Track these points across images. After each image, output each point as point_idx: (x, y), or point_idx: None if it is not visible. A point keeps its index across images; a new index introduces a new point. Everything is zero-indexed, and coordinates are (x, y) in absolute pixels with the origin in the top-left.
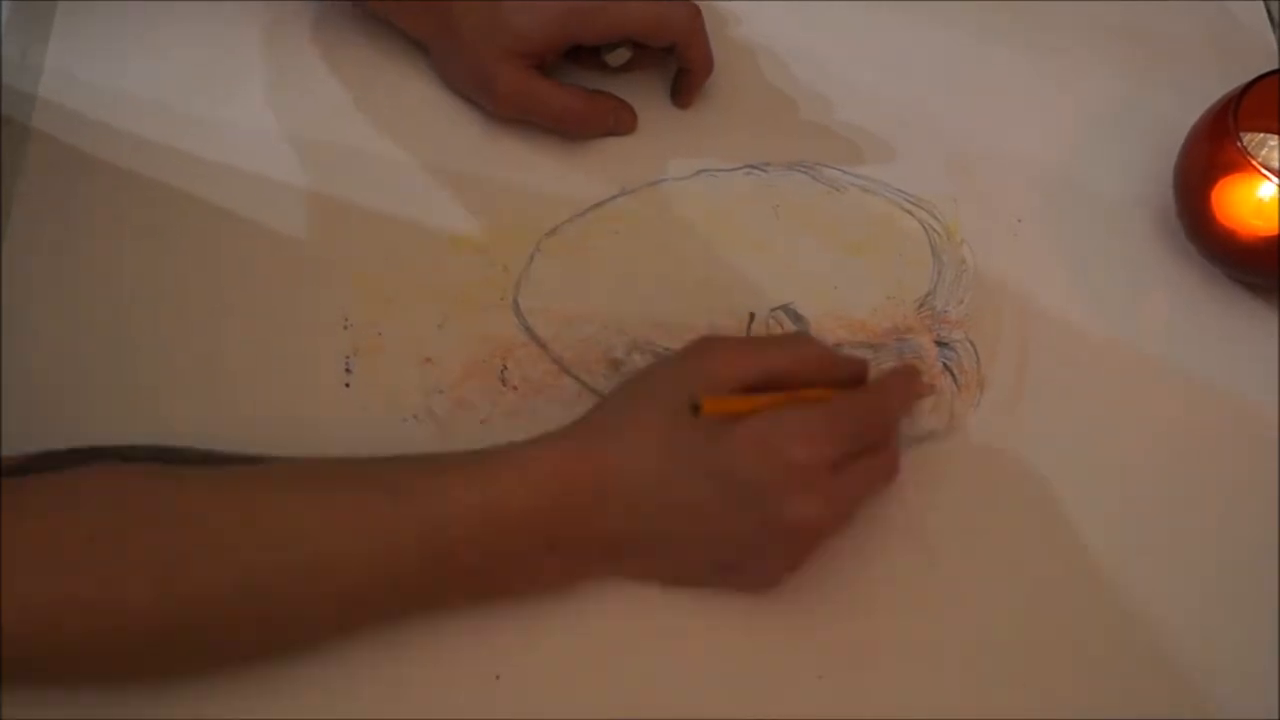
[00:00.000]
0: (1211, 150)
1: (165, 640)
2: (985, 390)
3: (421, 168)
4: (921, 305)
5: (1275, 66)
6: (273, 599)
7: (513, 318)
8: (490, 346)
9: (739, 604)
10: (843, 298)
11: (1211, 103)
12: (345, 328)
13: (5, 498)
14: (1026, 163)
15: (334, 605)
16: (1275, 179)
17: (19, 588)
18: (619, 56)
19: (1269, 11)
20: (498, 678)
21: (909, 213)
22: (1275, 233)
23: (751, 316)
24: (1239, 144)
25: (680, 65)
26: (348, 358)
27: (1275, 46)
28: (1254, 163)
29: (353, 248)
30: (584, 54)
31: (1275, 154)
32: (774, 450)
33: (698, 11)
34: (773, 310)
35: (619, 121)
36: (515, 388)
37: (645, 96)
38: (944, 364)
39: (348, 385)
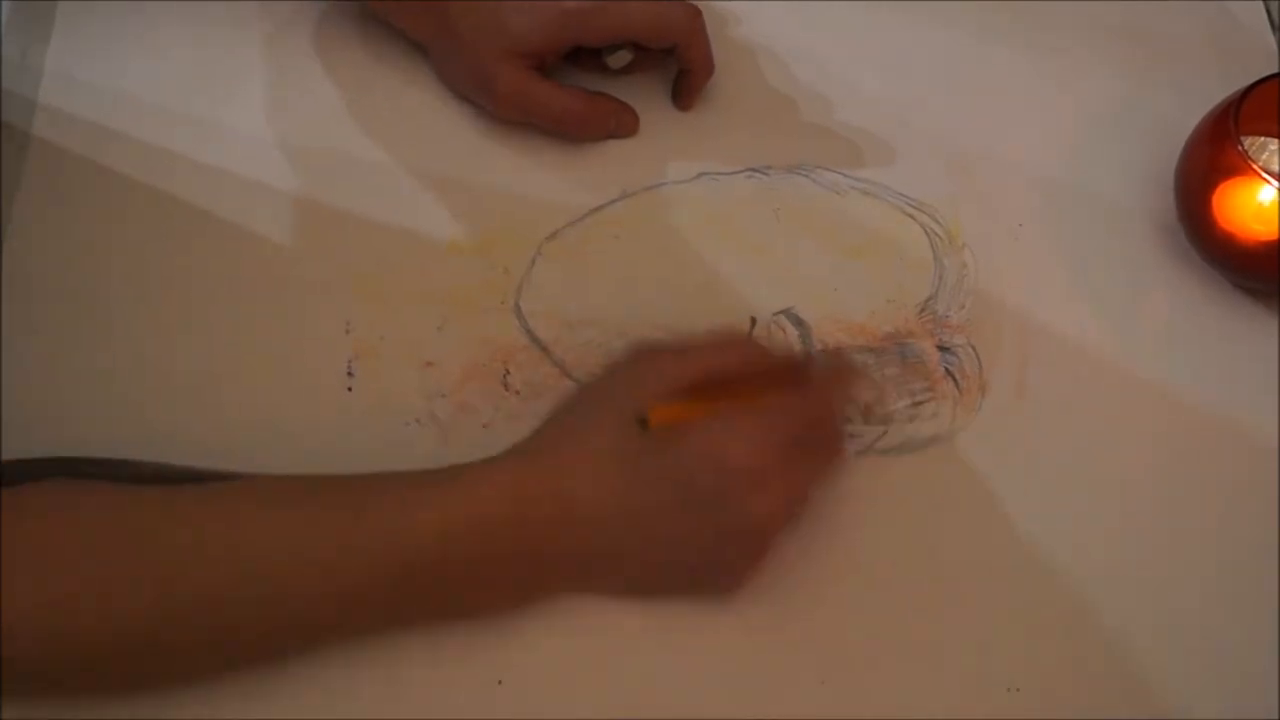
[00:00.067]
0: (1212, 154)
1: (116, 659)
2: (986, 394)
3: (422, 171)
4: (923, 309)
5: (1275, 68)
6: (225, 620)
7: (514, 321)
8: (492, 350)
9: (739, 607)
10: (843, 301)
11: (1212, 104)
12: (347, 332)
13: None
14: (1027, 164)
15: (289, 626)
16: (1276, 183)
17: None
18: (620, 58)
19: (1269, 13)
20: (500, 682)
21: (910, 217)
22: (1276, 237)
23: (753, 321)
24: (1239, 148)
25: (681, 67)
26: (349, 362)
27: (1275, 48)
28: (1254, 166)
29: (353, 252)
30: (584, 56)
31: (1276, 158)
32: (719, 455)
33: (698, 13)
34: (774, 314)
35: (620, 124)
36: (517, 391)
37: (646, 99)
38: (945, 368)
39: (350, 389)
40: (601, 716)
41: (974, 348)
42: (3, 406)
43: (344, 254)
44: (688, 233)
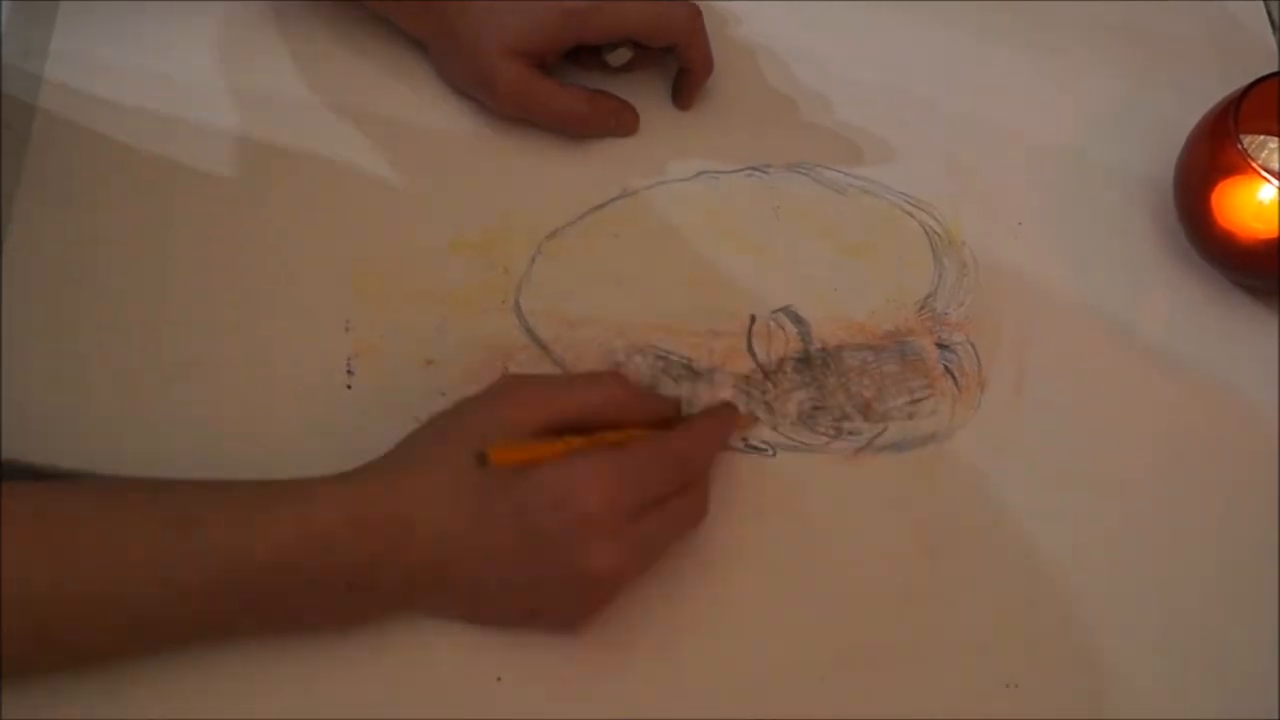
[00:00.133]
0: (1212, 153)
1: None
2: (985, 392)
3: (422, 170)
4: (922, 307)
5: (1275, 68)
6: (49, 623)
7: (514, 320)
8: (492, 349)
9: (739, 606)
10: (843, 300)
11: (1212, 103)
12: (346, 330)
13: None
14: (1026, 163)
15: (112, 634)
16: (1275, 181)
17: None
18: (620, 57)
19: (1269, 12)
20: (499, 679)
21: (910, 215)
22: (1275, 235)
23: (752, 319)
24: (1239, 146)
25: (680, 65)
26: (349, 360)
27: (1275, 47)
28: (1254, 165)
29: (353, 250)
30: (585, 54)
31: (1275, 156)
32: (568, 499)
33: (698, 12)
34: (773, 312)
35: (620, 123)
36: None
37: (646, 97)
38: (944, 366)
39: (349, 388)
40: (601, 716)
41: (973, 346)
42: (3, 406)
43: (344, 252)
44: (688, 231)
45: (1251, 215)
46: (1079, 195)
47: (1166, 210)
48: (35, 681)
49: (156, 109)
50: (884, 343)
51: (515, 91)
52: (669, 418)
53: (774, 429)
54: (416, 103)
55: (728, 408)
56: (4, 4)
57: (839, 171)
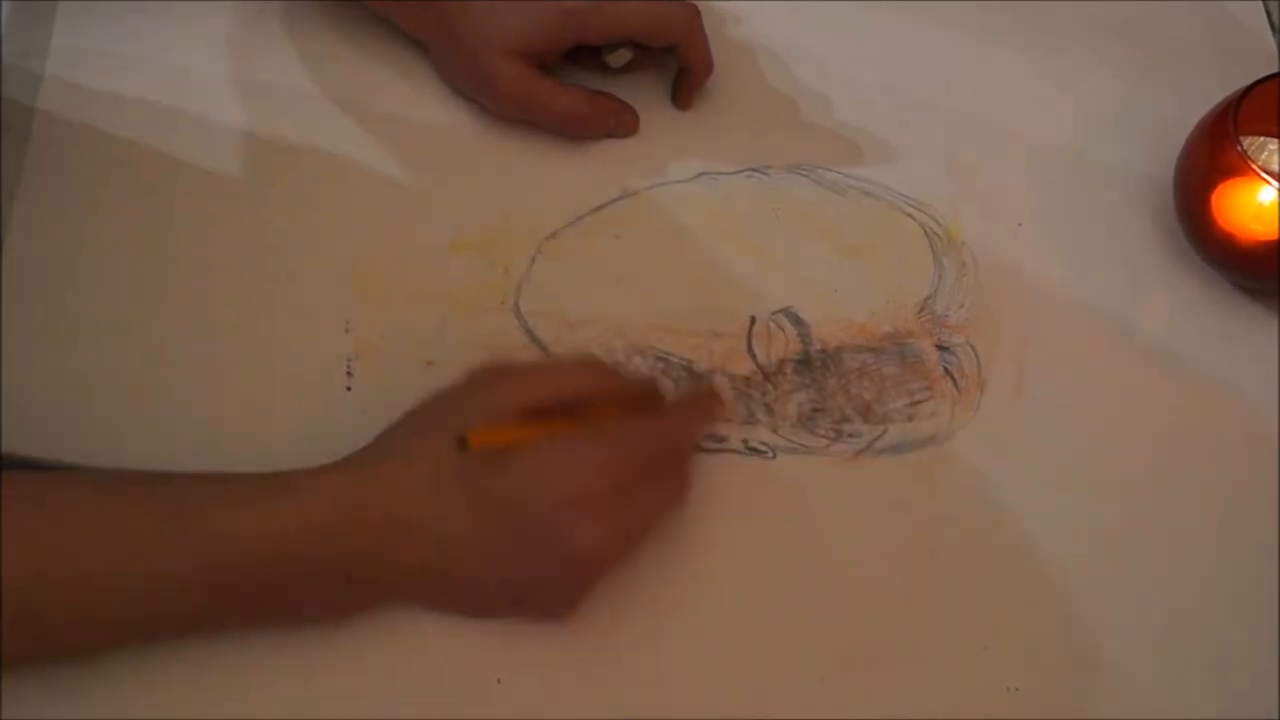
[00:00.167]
0: (1211, 154)
1: None
2: (985, 393)
3: (422, 170)
4: (922, 309)
5: (1275, 68)
6: (47, 613)
7: (514, 320)
8: (492, 349)
9: (740, 608)
10: (843, 301)
11: (1212, 104)
12: (346, 331)
13: None
14: (1026, 163)
15: (110, 625)
16: (1275, 183)
17: None
18: (620, 57)
19: (1269, 13)
20: (499, 681)
21: (910, 216)
22: (1275, 237)
23: (752, 320)
24: (1239, 148)
25: (680, 66)
26: (349, 361)
27: (1275, 48)
28: (1254, 166)
29: (353, 249)
30: (584, 55)
31: (1275, 158)
32: (551, 481)
33: (697, 12)
34: (773, 313)
35: (621, 123)
36: None
37: (646, 98)
38: (944, 368)
39: (349, 389)
40: (601, 716)
41: (973, 347)
42: (3, 406)
43: (344, 253)
44: (688, 232)
45: (1251, 217)
46: (1079, 195)
47: (1166, 211)
48: (32, 676)
49: (156, 109)
50: (884, 344)
51: (515, 92)
52: (650, 400)
53: (774, 431)
54: (417, 102)
55: (709, 389)
56: (4, 4)
57: (839, 173)
